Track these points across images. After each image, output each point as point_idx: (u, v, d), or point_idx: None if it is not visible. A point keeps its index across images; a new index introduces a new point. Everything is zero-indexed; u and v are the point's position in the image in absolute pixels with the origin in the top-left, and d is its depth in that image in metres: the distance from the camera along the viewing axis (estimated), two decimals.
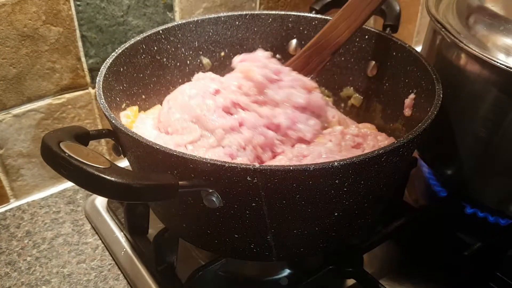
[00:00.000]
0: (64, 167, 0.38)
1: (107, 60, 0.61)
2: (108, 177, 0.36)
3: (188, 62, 0.77)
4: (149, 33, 0.70)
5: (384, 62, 0.71)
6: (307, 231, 0.50)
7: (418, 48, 0.69)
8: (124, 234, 0.70)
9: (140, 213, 0.68)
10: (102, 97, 0.53)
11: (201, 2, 0.83)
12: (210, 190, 0.44)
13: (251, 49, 0.81)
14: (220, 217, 0.48)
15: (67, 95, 0.76)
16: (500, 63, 0.54)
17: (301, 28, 0.79)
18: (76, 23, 0.72)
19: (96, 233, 0.73)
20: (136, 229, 0.69)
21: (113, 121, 0.48)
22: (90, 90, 0.78)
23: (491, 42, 0.59)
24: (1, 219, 0.77)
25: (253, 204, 0.46)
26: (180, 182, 0.41)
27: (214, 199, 0.44)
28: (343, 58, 0.77)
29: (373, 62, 0.73)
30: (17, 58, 0.69)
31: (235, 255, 0.55)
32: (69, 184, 0.85)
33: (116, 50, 0.64)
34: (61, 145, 0.40)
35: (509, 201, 0.64)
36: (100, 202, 0.78)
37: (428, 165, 0.74)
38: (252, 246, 0.52)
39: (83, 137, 0.46)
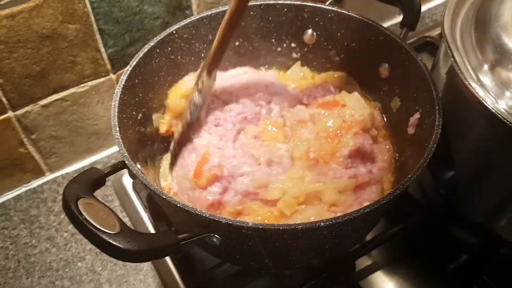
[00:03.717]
0: (80, 228, 0.44)
1: (121, 77, 0.64)
2: (116, 244, 0.42)
3: (202, 55, 0.78)
4: (163, 35, 0.71)
5: (396, 67, 0.71)
6: (301, 257, 0.56)
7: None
8: (148, 216, 0.76)
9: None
10: (118, 130, 0.56)
11: None
12: (211, 235, 0.50)
13: (266, 38, 0.80)
14: (223, 247, 0.54)
15: (90, 83, 0.81)
16: (491, 107, 0.52)
17: (316, 19, 0.77)
18: (92, 19, 0.73)
19: (124, 210, 0.78)
20: (158, 215, 0.75)
21: (127, 161, 0.53)
22: (112, 76, 0.82)
23: (492, 70, 0.56)
24: (39, 192, 0.87)
25: (250, 243, 0.51)
26: (180, 236, 0.46)
27: (214, 240, 0.50)
28: (357, 54, 0.76)
29: (386, 64, 0.73)
30: (39, 57, 0.73)
31: (240, 265, 0.62)
32: (98, 156, 0.92)
33: (130, 63, 0.66)
34: (79, 203, 0.45)
35: (495, 220, 0.66)
36: (126, 181, 0.82)
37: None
38: (252, 264, 0.58)
39: (99, 180, 0.51)
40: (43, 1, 0.67)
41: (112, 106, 0.60)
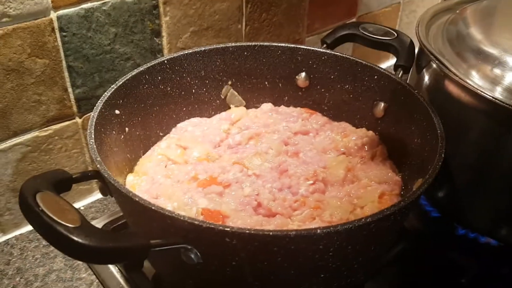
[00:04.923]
0: (36, 222, 0.38)
1: (105, 93, 0.61)
2: (75, 238, 0.35)
3: (193, 91, 0.76)
4: (154, 63, 0.69)
5: (392, 105, 0.69)
6: None
7: None
8: (119, 269, 0.67)
9: None
10: (93, 137, 0.52)
11: (188, 26, 0.80)
12: (189, 247, 0.42)
13: (259, 80, 0.79)
14: (201, 271, 0.46)
15: (54, 127, 0.73)
16: (487, 94, 0.57)
17: (310, 62, 0.77)
18: (62, 54, 0.68)
19: (90, 267, 0.69)
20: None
21: (98, 165, 0.47)
22: (77, 119, 0.75)
23: (479, 71, 0.61)
24: None
25: (233, 263, 0.44)
26: (152, 242, 0.39)
27: (192, 256, 0.43)
28: (351, 96, 0.75)
29: (382, 103, 0.71)
30: (2, 92, 0.66)
31: None
32: None
33: (116, 82, 0.63)
34: (37, 196, 0.39)
35: (497, 223, 0.68)
36: None
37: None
38: None
39: (65, 182, 0.45)
40: (12, 30, 0.63)
41: (91, 117, 0.56)
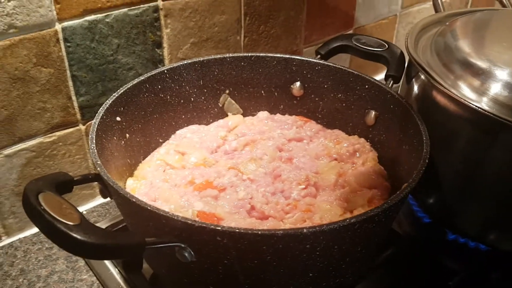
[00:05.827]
0: (38, 220, 0.40)
1: (106, 101, 0.64)
2: (74, 235, 0.38)
3: (192, 99, 0.79)
4: (154, 72, 0.72)
5: (383, 113, 0.71)
6: None
7: None
8: (119, 270, 0.69)
9: None
10: (94, 141, 0.54)
11: (188, 37, 0.83)
12: (183, 246, 0.45)
13: (255, 89, 0.82)
14: (195, 269, 0.49)
15: (58, 133, 0.76)
16: (473, 105, 0.59)
17: (304, 72, 0.80)
18: (66, 64, 0.71)
19: (91, 269, 0.72)
20: (130, 264, 0.69)
21: (98, 168, 0.50)
22: (81, 126, 0.78)
23: (466, 82, 0.63)
24: None
25: (225, 261, 0.46)
26: (147, 240, 0.42)
27: (186, 254, 0.45)
28: (344, 104, 0.78)
29: (373, 112, 0.74)
30: (8, 100, 0.69)
31: None
32: None
33: (118, 91, 0.66)
34: (40, 196, 0.42)
35: (486, 229, 0.70)
36: None
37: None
38: None
39: (66, 184, 0.48)
40: (18, 41, 0.65)
41: (93, 123, 0.59)
